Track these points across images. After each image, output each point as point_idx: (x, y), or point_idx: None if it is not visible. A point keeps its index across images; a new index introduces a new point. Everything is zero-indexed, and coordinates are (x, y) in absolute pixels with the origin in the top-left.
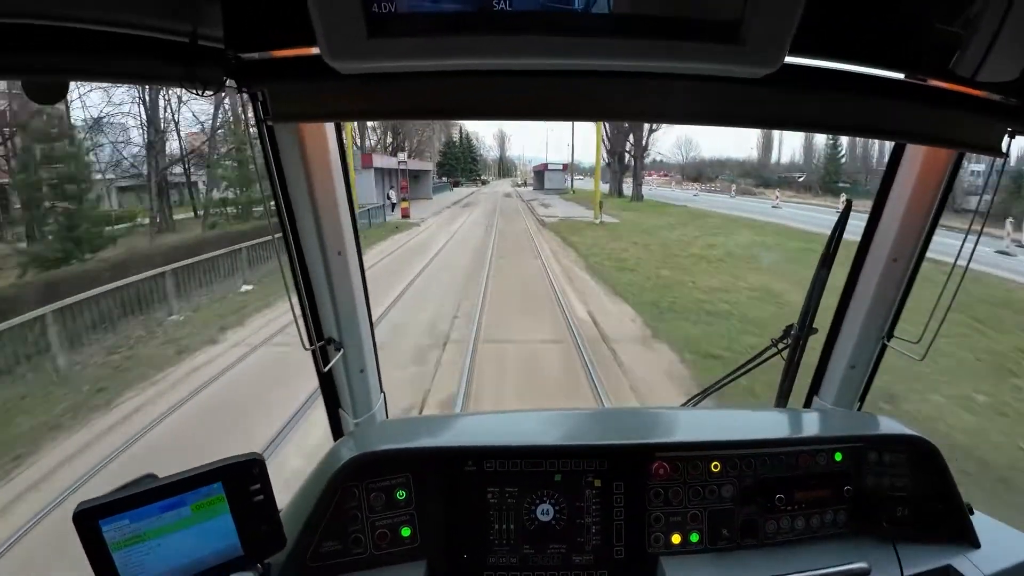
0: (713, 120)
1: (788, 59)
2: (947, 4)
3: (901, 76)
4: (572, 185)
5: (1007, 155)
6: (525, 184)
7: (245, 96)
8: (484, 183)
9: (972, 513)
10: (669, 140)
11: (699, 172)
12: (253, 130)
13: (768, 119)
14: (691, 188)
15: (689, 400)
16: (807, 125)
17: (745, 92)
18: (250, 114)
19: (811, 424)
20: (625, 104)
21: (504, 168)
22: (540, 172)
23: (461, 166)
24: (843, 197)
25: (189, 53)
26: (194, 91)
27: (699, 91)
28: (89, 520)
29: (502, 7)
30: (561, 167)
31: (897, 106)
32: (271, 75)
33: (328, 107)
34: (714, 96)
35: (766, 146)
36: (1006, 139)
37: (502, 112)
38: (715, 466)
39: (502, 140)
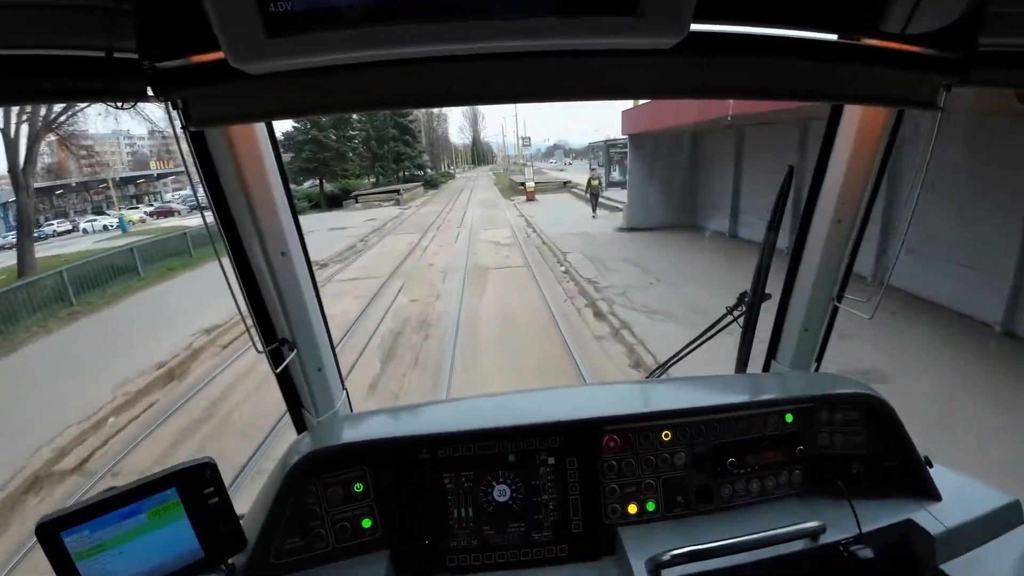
0: (627, 94)
1: (703, 27)
2: None
3: (831, 36)
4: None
5: (943, 109)
6: (600, 190)
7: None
8: (434, 184)
9: (931, 466)
10: None
11: None
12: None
13: (689, 88)
14: None
15: (651, 373)
16: (732, 92)
17: (661, 63)
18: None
19: (765, 388)
20: (533, 84)
21: (479, 154)
22: None
23: (371, 150)
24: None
25: (106, 67)
26: (114, 105)
27: (611, 65)
28: (51, 533)
29: None
30: None
31: (829, 67)
32: (188, 82)
33: (245, 109)
34: (628, 68)
35: None
36: (942, 93)
37: (419, 101)
38: (666, 435)
39: (474, 119)
